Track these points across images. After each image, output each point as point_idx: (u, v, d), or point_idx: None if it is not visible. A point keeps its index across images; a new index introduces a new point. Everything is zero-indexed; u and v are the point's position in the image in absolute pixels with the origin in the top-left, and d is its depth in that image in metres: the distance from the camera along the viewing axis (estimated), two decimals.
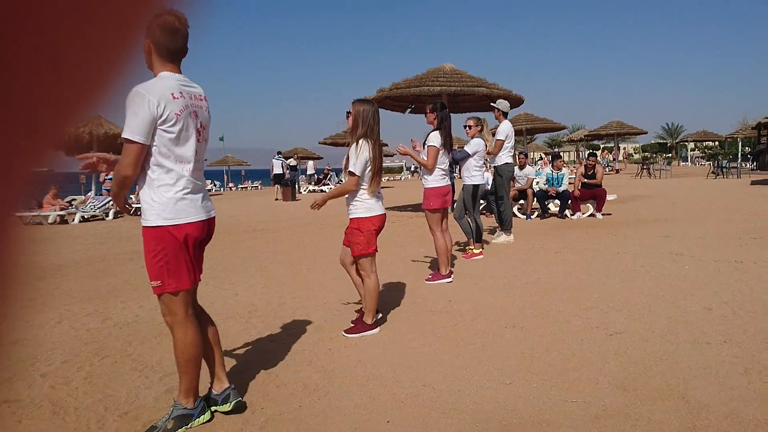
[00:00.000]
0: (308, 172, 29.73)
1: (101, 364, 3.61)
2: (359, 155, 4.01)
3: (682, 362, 3.28)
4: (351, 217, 4.16)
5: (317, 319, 4.52)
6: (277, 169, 21.27)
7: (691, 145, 52.20)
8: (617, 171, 33.12)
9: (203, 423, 2.68)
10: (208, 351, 2.85)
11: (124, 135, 2.36)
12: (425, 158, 5.64)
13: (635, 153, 62.98)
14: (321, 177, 29.20)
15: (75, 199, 16.30)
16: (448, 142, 5.73)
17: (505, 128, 8.35)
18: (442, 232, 5.71)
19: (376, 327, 4.15)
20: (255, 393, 3.08)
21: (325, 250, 8.12)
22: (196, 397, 2.70)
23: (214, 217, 2.77)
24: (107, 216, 15.04)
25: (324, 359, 3.60)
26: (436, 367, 3.38)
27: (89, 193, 16.39)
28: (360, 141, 4.02)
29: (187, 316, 2.61)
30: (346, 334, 4.07)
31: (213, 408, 2.83)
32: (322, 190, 27.25)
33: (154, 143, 2.45)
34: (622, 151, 47.19)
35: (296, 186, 23.30)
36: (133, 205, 16.23)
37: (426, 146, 5.67)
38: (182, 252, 2.54)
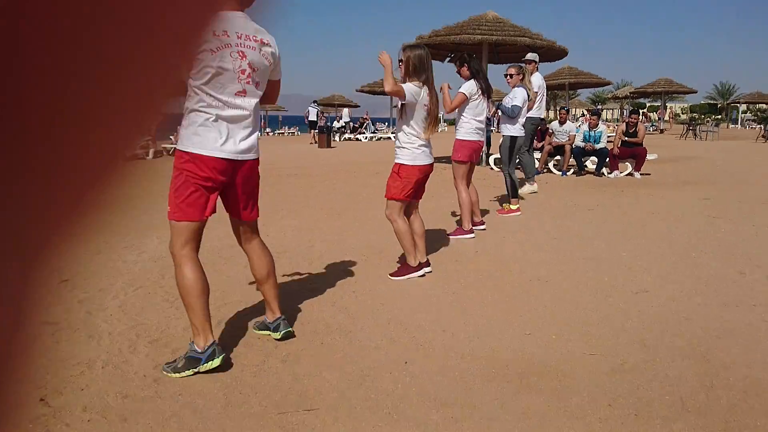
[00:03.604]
0: (343, 120, 29.59)
1: (135, 294, 3.76)
2: (412, 90, 3.98)
3: (708, 324, 3.25)
4: (395, 161, 4.16)
5: (344, 263, 4.59)
6: (312, 116, 21.78)
7: (743, 107, 49.93)
8: (662, 131, 32.07)
9: (211, 369, 2.59)
10: (260, 283, 3.03)
11: None
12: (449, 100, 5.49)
13: (683, 113, 60.72)
14: (357, 126, 29.05)
15: None
16: (485, 92, 5.57)
17: (537, 81, 8.16)
18: (466, 187, 5.64)
19: (420, 270, 4.20)
20: None
21: (357, 196, 8.16)
22: (207, 340, 2.62)
23: (250, 161, 2.74)
24: (148, 155, 15.35)
25: (348, 301, 3.68)
26: (457, 315, 3.42)
27: None
28: (410, 82, 4.02)
29: (182, 251, 2.60)
30: (391, 277, 4.15)
31: (266, 332, 3.03)
32: (357, 139, 27.18)
33: (192, 80, 2.46)
34: (668, 110, 45.51)
35: (331, 133, 23.38)
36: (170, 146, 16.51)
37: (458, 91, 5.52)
38: (198, 185, 2.57)
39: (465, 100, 5.44)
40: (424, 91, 4.03)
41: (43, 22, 0.20)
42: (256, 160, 2.82)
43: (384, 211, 4.29)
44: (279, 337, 2.98)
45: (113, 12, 0.21)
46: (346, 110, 31.27)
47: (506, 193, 6.89)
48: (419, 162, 4.12)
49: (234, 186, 2.75)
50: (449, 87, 5.58)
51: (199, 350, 2.60)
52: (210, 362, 2.59)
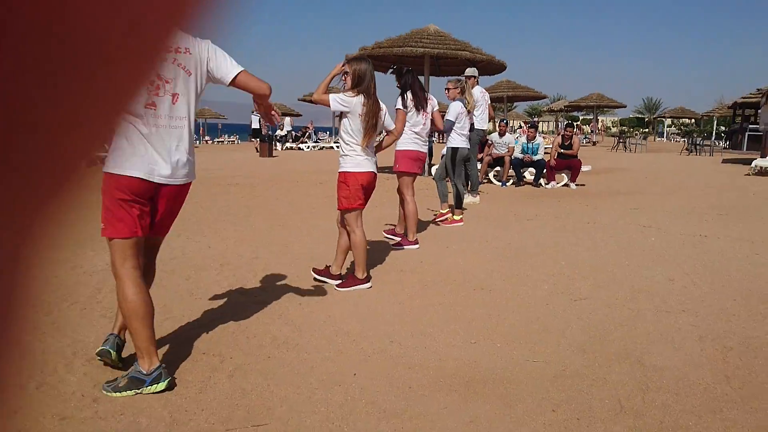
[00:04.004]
0: (286, 128, 29.32)
1: (69, 310, 3.60)
2: (347, 100, 4.06)
3: (641, 328, 3.41)
4: (339, 170, 4.20)
5: (289, 274, 4.55)
6: (255, 125, 21.63)
7: (668, 121, 52.78)
8: (594, 143, 33.44)
9: (155, 392, 2.50)
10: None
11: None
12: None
13: (613, 126, 63.50)
14: (299, 135, 28.84)
15: None
16: (419, 103, 5.66)
17: (477, 93, 8.39)
18: (413, 197, 5.71)
19: (367, 282, 4.22)
20: (224, 343, 3.12)
21: (299, 206, 8.11)
22: (152, 363, 2.53)
23: (176, 185, 2.62)
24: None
25: (294, 313, 3.64)
26: (403, 325, 3.45)
27: None
28: (349, 91, 4.10)
29: (122, 267, 2.52)
30: (338, 288, 4.15)
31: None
32: (300, 148, 26.99)
33: None
34: (600, 123, 47.50)
35: (273, 142, 23.15)
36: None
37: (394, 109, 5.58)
38: (126, 202, 2.47)
39: (404, 114, 5.49)
40: (359, 100, 4.08)
41: (8, 26, 0.20)
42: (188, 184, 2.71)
43: (336, 221, 4.33)
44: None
45: (80, 20, 0.22)
46: (287, 119, 30.99)
47: (443, 201, 7.00)
48: (363, 169, 4.18)
49: (156, 205, 2.64)
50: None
51: (144, 372, 2.51)
52: (154, 385, 2.51)
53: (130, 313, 2.50)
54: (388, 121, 4.45)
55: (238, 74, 2.72)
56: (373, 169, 4.27)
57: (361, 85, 4.08)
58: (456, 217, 6.84)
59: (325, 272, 4.33)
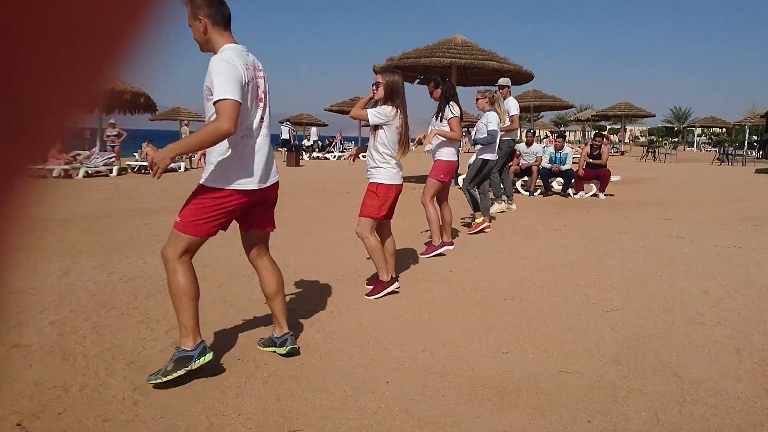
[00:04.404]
0: (312, 138, 29.58)
1: (108, 316, 3.69)
2: (386, 112, 4.14)
3: (676, 340, 3.36)
4: (371, 180, 4.25)
5: (319, 282, 4.59)
6: (285, 135, 22.12)
7: (699, 130, 51.81)
8: (622, 153, 33.01)
9: (204, 363, 2.67)
10: (268, 299, 3.09)
11: (220, 96, 2.47)
12: (442, 132, 5.63)
13: (641, 136, 62.62)
14: (326, 144, 29.09)
15: (80, 154, 16.28)
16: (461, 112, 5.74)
17: (516, 104, 8.46)
18: (433, 204, 5.72)
19: (394, 283, 4.24)
20: (257, 350, 3.16)
21: (327, 215, 8.17)
22: (196, 340, 2.70)
23: (272, 185, 2.91)
24: (111, 172, 15.07)
25: (325, 321, 3.68)
26: (434, 334, 3.46)
27: (93, 149, 16.33)
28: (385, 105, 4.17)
29: (177, 258, 2.66)
30: (367, 297, 4.17)
31: (272, 349, 3.07)
32: (326, 157, 27.19)
33: None
34: (628, 133, 46.90)
35: (299, 152, 23.45)
36: (136, 163, 16.25)
37: (446, 120, 5.61)
38: (225, 213, 2.68)
39: (459, 120, 5.58)
40: (396, 113, 4.15)
41: None
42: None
43: (355, 228, 4.33)
44: (284, 352, 3.03)
45: (28, 18, 0.23)
46: (314, 129, 31.27)
47: (479, 210, 6.98)
48: (395, 181, 4.24)
49: (256, 204, 2.88)
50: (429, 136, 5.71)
51: (189, 349, 2.65)
52: (202, 357, 2.66)
53: (181, 293, 2.66)
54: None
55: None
56: (401, 181, 4.33)
57: (396, 98, 4.15)
58: (478, 220, 6.81)
59: (376, 284, 4.33)
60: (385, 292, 4.19)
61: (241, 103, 2.54)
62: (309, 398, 2.61)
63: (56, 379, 2.72)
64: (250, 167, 2.72)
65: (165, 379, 2.60)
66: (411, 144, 4.63)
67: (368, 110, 4.18)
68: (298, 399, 2.60)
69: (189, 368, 2.62)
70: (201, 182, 2.70)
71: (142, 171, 16.21)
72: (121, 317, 3.67)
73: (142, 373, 2.81)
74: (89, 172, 14.55)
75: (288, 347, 3.04)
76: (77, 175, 14.19)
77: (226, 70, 2.51)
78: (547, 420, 2.42)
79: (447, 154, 5.68)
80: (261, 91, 2.79)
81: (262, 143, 2.79)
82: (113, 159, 15.47)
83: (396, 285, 4.25)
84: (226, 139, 2.60)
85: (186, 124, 27.48)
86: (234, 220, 2.88)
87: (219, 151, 2.65)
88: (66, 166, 14.33)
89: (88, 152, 16.24)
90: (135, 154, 18.38)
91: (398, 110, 4.16)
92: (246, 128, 2.70)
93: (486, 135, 6.67)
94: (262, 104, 2.80)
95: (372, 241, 4.21)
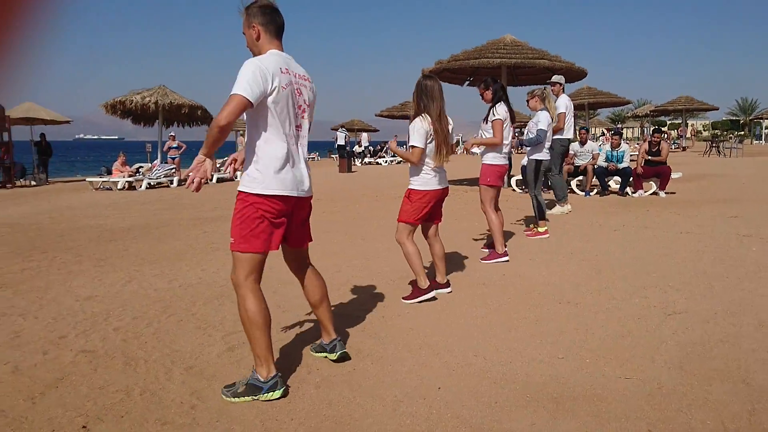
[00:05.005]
0: (363, 144, 29.79)
1: (168, 322, 3.81)
2: (415, 130, 4.08)
3: (745, 345, 3.19)
4: (408, 186, 4.26)
5: (371, 287, 4.61)
6: (341, 141, 22.56)
7: (767, 122, 49.24)
8: (684, 149, 31.76)
9: (270, 400, 2.63)
10: (314, 308, 3.12)
11: (233, 91, 2.50)
12: (486, 137, 5.54)
13: (704, 130, 60.05)
14: (378, 149, 29.28)
15: (142, 167, 16.96)
16: (510, 115, 5.61)
17: (564, 101, 8.26)
18: (494, 210, 5.62)
19: (431, 291, 4.22)
20: (310, 355, 3.20)
21: (380, 220, 8.20)
22: (270, 371, 2.68)
23: (309, 196, 2.89)
24: (172, 183, 15.62)
25: (377, 326, 3.69)
26: (488, 339, 3.41)
27: (155, 161, 16.99)
28: (415, 118, 4.11)
29: (245, 281, 2.67)
30: (403, 300, 4.18)
31: (323, 354, 3.10)
32: (378, 162, 27.34)
33: (262, 116, 2.62)
34: (690, 128, 45.04)
35: (351, 158, 23.74)
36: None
37: (490, 121, 5.52)
38: (264, 220, 2.66)
39: (502, 124, 5.46)
40: (427, 122, 4.07)
41: None
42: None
43: (394, 234, 4.34)
44: (335, 358, 3.05)
45: None
46: (365, 135, 31.52)
47: (534, 215, 6.86)
48: (430, 187, 4.20)
49: (293, 217, 2.86)
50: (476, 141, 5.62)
51: (262, 379, 2.65)
52: (271, 393, 2.64)
53: (251, 323, 2.67)
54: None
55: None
56: (443, 185, 4.28)
57: (427, 100, 4.08)
58: (540, 229, 6.68)
59: (434, 285, 4.34)
60: (421, 298, 4.17)
61: (254, 104, 2.51)
62: (360, 403, 2.61)
63: (119, 383, 2.83)
64: (284, 174, 2.68)
65: (234, 400, 2.63)
66: (457, 147, 4.57)
67: (412, 140, 4.09)
68: (349, 404, 2.61)
69: (256, 398, 2.64)
70: (238, 189, 2.71)
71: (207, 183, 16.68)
72: (180, 323, 3.78)
73: (199, 378, 2.89)
74: (151, 183, 15.12)
75: (338, 352, 3.05)
76: (140, 186, 14.78)
77: (251, 70, 2.53)
78: (605, 429, 2.34)
79: (490, 157, 5.56)
80: (302, 100, 2.78)
81: (295, 151, 2.77)
82: (174, 170, 16.03)
83: (433, 293, 4.21)
84: (262, 145, 2.62)
85: (241, 134, 28.18)
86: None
87: (254, 157, 2.66)
88: (130, 179, 14.96)
89: (150, 164, 16.91)
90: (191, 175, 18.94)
91: (422, 116, 4.06)
92: (280, 134, 2.67)
93: (533, 136, 6.54)
94: (301, 112, 2.79)
95: (408, 248, 4.20)
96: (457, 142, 50.06)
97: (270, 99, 2.59)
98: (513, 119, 5.66)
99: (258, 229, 2.66)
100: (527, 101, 6.75)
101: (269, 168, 2.64)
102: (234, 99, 2.48)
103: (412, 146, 4.09)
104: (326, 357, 3.11)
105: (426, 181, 4.19)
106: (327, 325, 3.11)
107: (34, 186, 16.82)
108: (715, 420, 2.38)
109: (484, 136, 5.58)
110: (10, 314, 4.00)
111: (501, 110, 5.44)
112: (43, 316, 3.97)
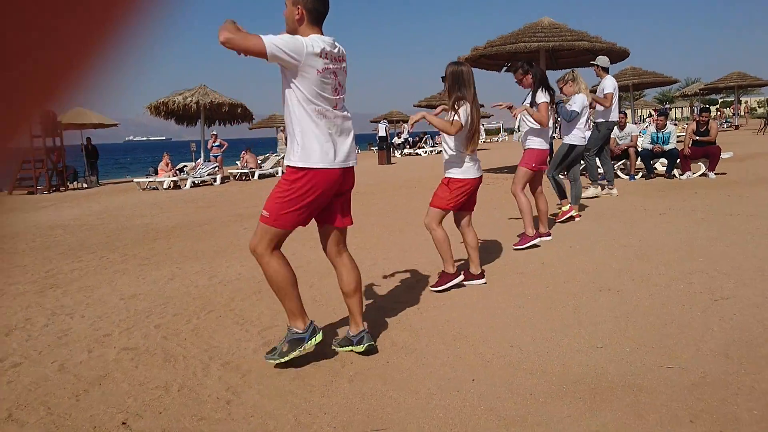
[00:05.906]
0: (403, 136, 29.76)
1: (207, 318, 3.89)
2: (462, 110, 4.05)
3: None
4: (445, 175, 4.24)
5: (407, 279, 4.59)
6: (382, 132, 22.71)
7: None
8: (737, 127, 30.48)
9: (316, 344, 2.84)
10: (346, 296, 3.14)
11: (265, 36, 2.56)
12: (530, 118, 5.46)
13: (759, 107, 57.47)
14: (417, 140, 29.21)
15: (186, 166, 17.38)
16: (552, 100, 5.55)
17: (612, 82, 8.07)
18: (523, 193, 5.53)
19: (459, 275, 4.21)
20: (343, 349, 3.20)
21: (417, 212, 8.15)
22: (305, 321, 2.84)
23: (352, 167, 2.96)
24: (215, 181, 15.95)
25: (412, 318, 3.67)
26: (524, 329, 3.35)
27: (198, 160, 17.38)
28: (455, 105, 4.07)
29: (267, 250, 2.77)
30: (432, 289, 4.19)
31: (348, 348, 3.10)
32: (417, 153, 27.25)
33: (301, 93, 2.69)
34: (743, 105, 43.17)
35: (391, 149, 23.79)
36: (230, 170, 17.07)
37: (537, 105, 5.44)
38: (305, 199, 2.73)
39: (548, 106, 5.40)
40: (469, 108, 4.06)
41: None
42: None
43: (423, 219, 4.30)
44: (362, 350, 3.05)
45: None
46: (405, 126, 31.45)
47: (565, 197, 6.66)
48: (470, 175, 4.19)
49: (338, 190, 2.92)
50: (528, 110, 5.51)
51: (301, 331, 2.79)
52: (313, 338, 2.81)
53: (281, 282, 2.78)
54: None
55: None
56: (477, 174, 4.25)
57: (461, 87, 4.06)
58: (564, 208, 6.51)
59: (468, 276, 4.31)
60: (450, 284, 4.17)
61: (269, 50, 2.53)
62: (394, 397, 2.61)
63: (158, 379, 2.90)
64: (327, 147, 2.75)
65: (282, 360, 2.79)
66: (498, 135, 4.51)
67: (460, 115, 4.03)
68: (382, 398, 2.60)
69: (302, 350, 2.78)
70: (285, 164, 2.81)
71: (243, 178, 17.01)
72: (219, 319, 3.85)
73: (235, 373, 2.94)
74: (195, 182, 15.48)
75: (365, 344, 3.05)
76: (185, 185, 15.14)
77: (294, 38, 2.64)
78: (644, 420, 2.26)
79: (537, 142, 5.51)
80: (338, 81, 2.84)
81: (336, 125, 2.82)
82: (217, 168, 16.36)
83: (461, 278, 4.19)
84: (303, 123, 2.71)
85: (282, 131, 28.54)
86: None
87: (297, 131, 2.74)
88: (174, 178, 15.36)
89: (194, 163, 17.31)
90: (237, 162, 19.35)
91: (462, 103, 4.04)
92: (320, 110, 2.74)
93: (567, 111, 6.38)
94: (340, 90, 2.86)
95: (439, 234, 4.19)
96: (498, 129, 49.47)
97: (305, 75, 2.66)
98: (554, 102, 5.62)
99: (297, 210, 2.73)
100: (560, 89, 6.55)
101: (313, 142, 2.72)
102: (257, 40, 2.52)
103: (455, 120, 4.05)
104: (352, 350, 3.10)
105: (466, 169, 4.18)
106: (356, 316, 3.12)
107: (86, 188, 17.44)
108: (763, 409, 2.28)
109: (526, 124, 5.54)
110: (60, 314, 4.16)
111: (548, 94, 5.43)
112: (90, 314, 4.11)
